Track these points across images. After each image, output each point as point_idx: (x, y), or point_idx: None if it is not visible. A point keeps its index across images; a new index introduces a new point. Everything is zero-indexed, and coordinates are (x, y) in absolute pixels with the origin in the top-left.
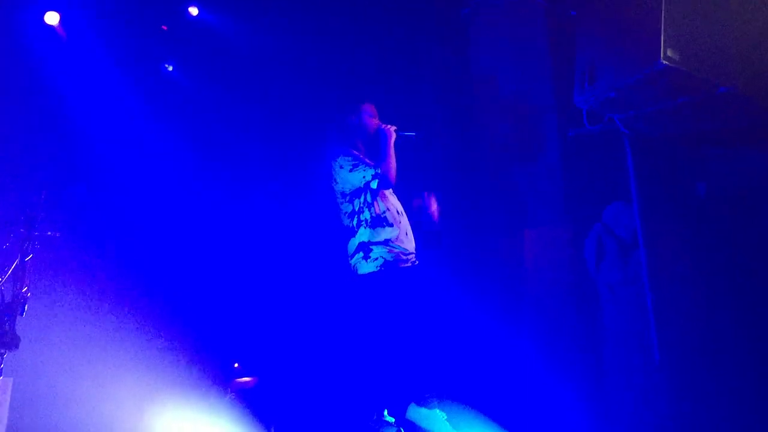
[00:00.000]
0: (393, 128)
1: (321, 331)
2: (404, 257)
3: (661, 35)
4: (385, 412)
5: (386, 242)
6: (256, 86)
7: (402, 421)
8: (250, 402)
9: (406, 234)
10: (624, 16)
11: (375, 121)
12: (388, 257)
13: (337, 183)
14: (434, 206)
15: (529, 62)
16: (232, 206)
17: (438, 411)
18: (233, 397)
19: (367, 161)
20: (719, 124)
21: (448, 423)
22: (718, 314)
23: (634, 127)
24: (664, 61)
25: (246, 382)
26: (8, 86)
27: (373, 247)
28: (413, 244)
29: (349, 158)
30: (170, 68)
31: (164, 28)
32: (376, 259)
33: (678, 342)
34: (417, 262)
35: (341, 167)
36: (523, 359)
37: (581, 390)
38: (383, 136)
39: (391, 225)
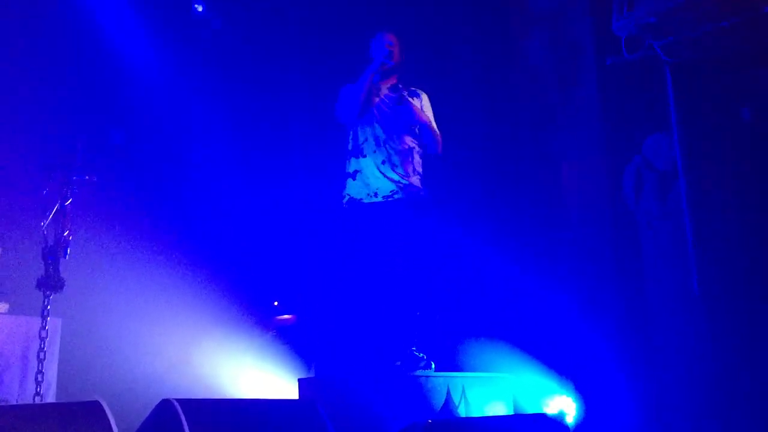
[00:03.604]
0: (383, 59)
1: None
2: (371, 192)
3: None
4: (414, 349)
5: (355, 174)
6: (292, 24)
7: (432, 356)
8: (290, 339)
9: (382, 163)
10: None
11: (383, 50)
12: (354, 193)
13: None
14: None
15: None
16: (266, 146)
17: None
18: (274, 334)
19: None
20: (764, 46)
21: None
22: (760, 245)
23: (675, 53)
24: None
25: (286, 319)
26: (43, 32)
27: (346, 181)
28: (400, 178)
29: (344, 91)
30: (200, 8)
31: None
32: (345, 196)
33: (718, 274)
34: (396, 197)
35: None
36: (558, 293)
37: (620, 324)
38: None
39: (364, 156)
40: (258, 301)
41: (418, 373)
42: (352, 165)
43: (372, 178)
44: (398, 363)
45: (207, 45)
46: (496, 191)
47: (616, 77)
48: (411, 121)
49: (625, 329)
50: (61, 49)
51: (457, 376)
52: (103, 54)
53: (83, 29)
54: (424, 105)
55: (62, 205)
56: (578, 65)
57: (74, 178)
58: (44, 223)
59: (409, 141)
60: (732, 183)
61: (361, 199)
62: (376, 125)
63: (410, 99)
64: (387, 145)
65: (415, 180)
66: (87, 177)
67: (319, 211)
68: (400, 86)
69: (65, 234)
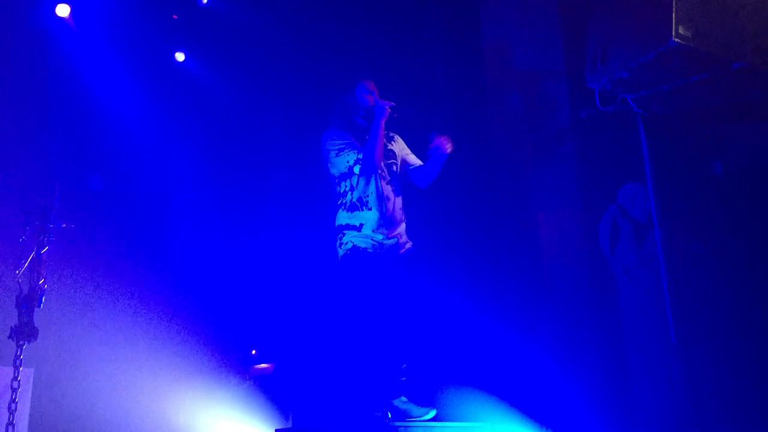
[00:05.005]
0: (388, 106)
1: (330, 318)
2: (376, 243)
3: (672, 13)
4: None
5: (360, 227)
6: (269, 72)
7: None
8: (268, 388)
9: (390, 218)
10: None
11: (372, 98)
12: (359, 242)
13: (328, 166)
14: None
15: (540, 42)
16: (245, 195)
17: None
18: (251, 383)
19: (357, 144)
20: (734, 100)
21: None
22: (736, 294)
23: (648, 107)
24: (677, 39)
25: (264, 368)
26: (22, 79)
27: (346, 231)
28: (398, 230)
29: (337, 141)
30: (182, 58)
31: (175, 17)
32: (346, 243)
33: (695, 323)
34: (406, 246)
35: (329, 151)
36: (537, 342)
37: (598, 372)
38: (376, 114)
39: (371, 209)
40: (236, 350)
41: (398, 423)
42: (359, 218)
43: (374, 233)
44: (378, 414)
45: (187, 92)
46: (475, 242)
47: (591, 129)
48: (404, 179)
49: (604, 378)
50: (39, 96)
51: (437, 427)
52: (81, 101)
53: (62, 76)
54: (402, 147)
55: (38, 253)
56: (554, 117)
57: (51, 225)
58: (19, 272)
59: (397, 193)
60: (707, 233)
61: (366, 249)
62: (383, 181)
63: (390, 144)
64: (385, 199)
65: (404, 229)
66: (64, 225)
67: (299, 261)
68: None
69: (40, 282)
